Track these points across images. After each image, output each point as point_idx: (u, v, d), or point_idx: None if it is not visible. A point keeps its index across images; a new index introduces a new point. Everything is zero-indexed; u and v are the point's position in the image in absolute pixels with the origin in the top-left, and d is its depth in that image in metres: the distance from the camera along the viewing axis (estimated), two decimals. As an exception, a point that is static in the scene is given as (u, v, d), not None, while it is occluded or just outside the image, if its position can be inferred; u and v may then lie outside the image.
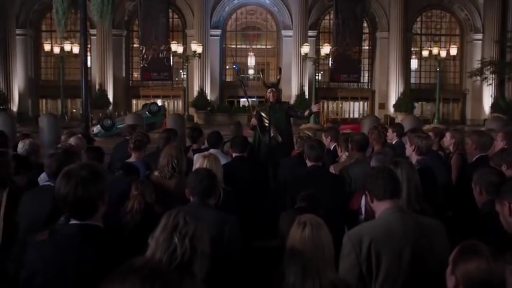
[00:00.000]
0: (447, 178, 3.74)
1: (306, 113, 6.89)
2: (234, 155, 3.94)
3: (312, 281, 1.65)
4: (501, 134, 3.96)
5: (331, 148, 4.76)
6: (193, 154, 4.11)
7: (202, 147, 5.01)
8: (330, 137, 4.92)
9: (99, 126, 17.30)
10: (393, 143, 5.04)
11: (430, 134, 5.06)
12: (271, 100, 6.44)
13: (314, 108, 6.80)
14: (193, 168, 3.00)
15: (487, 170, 2.66)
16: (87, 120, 8.30)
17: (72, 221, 1.77)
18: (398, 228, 1.97)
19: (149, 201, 2.70)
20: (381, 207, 2.06)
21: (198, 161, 3.01)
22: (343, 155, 4.05)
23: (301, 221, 1.77)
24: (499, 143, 3.88)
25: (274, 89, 6.56)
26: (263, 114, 6.41)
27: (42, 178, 3.25)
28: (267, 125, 6.22)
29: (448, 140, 4.43)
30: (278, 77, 7.69)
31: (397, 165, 2.27)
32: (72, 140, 4.02)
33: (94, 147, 3.74)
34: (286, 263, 1.71)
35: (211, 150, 4.04)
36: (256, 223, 3.20)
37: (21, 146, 3.84)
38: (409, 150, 3.60)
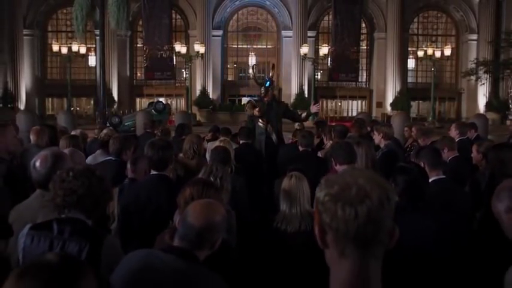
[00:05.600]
0: (404, 157, 4.64)
1: (304, 114, 6.87)
2: (240, 142, 4.93)
3: (295, 209, 2.53)
4: (454, 125, 4.91)
5: (322, 137, 5.68)
6: (207, 143, 5.10)
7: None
8: (320, 128, 5.85)
9: (107, 123, 18.14)
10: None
11: (406, 129, 6.03)
12: (266, 99, 6.50)
13: (313, 109, 6.77)
14: (210, 150, 3.93)
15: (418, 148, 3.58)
16: (104, 117, 9.13)
17: (153, 172, 2.88)
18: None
19: (179, 174, 3.59)
20: (340, 169, 2.93)
21: (216, 143, 3.94)
22: (328, 143, 4.92)
23: (289, 174, 2.66)
24: (453, 132, 4.81)
25: (269, 89, 6.52)
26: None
27: (88, 161, 4.13)
28: (261, 125, 6.31)
29: (415, 133, 5.40)
30: (271, 74, 7.42)
31: (358, 144, 3.15)
32: (105, 131, 4.91)
33: (130, 136, 4.67)
34: (280, 199, 2.59)
35: (224, 139, 4.97)
36: (257, 193, 4.07)
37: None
38: (377, 138, 4.54)
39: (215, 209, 1.67)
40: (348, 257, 0.93)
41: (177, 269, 1.50)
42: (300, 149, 4.44)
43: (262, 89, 6.58)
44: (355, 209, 0.92)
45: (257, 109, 6.31)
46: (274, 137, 6.35)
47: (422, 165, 2.77)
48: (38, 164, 2.10)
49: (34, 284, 1.01)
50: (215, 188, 2.00)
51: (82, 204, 1.79)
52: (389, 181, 2.26)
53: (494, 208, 1.70)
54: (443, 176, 2.81)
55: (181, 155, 4.02)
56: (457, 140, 4.44)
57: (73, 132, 4.81)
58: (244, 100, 29.32)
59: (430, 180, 2.82)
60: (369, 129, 5.91)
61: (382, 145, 4.33)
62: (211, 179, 2.47)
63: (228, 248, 1.89)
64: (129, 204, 2.69)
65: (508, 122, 26.64)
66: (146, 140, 5.56)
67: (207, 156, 4.41)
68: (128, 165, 3.13)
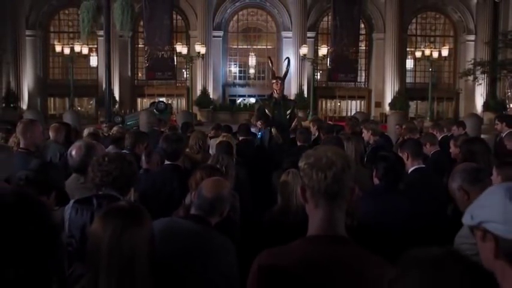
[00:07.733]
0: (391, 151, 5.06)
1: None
2: (240, 138, 5.32)
3: (292, 201, 2.88)
4: (431, 125, 5.38)
5: (316, 134, 6.07)
6: (210, 140, 5.48)
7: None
8: (316, 126, 6.22)
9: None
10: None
11: (397, 127, 6.46)
12: (277, 92, 6.54)
13: None
14: (213, 146, 4.31)
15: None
16: (110, 116, 9.51)
17: (166, 162, 3.29)
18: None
19: (186, 166, 3.95)
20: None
21: (219, 139, 4.33)
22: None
23: (287, 171, 3.03)
24: (431, 130, 5.29)
25: (279, 80, 6.62)
26: (266, 111, 6.51)
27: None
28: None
29: (403, 130, 5.85)
30: (286, 69, 7.25)
31: (348, 139, 3.52)
32: (115, 128, 5.30)
33: (143, 132, 5.09)
34: (278, 192, 2.95)
35: (225, 136, 5.37)
36: (257, 185, 4.43)
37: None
38: (367, 135, 4.94)
39: (223, 184, 2.12)
40: (321, 207, 1.33)
41: (194, 231, 1.90)
42: (298, 144, 4.85)
43: (274, 81, 6.68)
44: (325, 173, 1.31)
45: (259, 122, 6.46)
46: (280, 139, 6.33)
47: (406, 155, 3.17)
48: (73, 152, 2.47)
49: (116, 220, 1.46)
50: (220, 172, 2.40)
51: (116, 183, 2.22)
52: (373, 168, 2.63)
53: (449, 187, 2.06)
54: (424, 166, 3.25)
55: (187, 150, 4.39)
56: (441, 137, 4.88)
57: (85, 130, 5.21)
58: (242, 100, 29.78)
59: (411, 169, 3.20)
60: (361, 128, 6.32)
61: (371, 141, 4.75)
62: (218, 166, 2.84)
63: (233, 222, 2.28)
64: (147, 190, 3.08)
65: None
66: (154, 136, 5.97)
67: (210, 151, 4.79)
68: (143, 157, 3.54)
